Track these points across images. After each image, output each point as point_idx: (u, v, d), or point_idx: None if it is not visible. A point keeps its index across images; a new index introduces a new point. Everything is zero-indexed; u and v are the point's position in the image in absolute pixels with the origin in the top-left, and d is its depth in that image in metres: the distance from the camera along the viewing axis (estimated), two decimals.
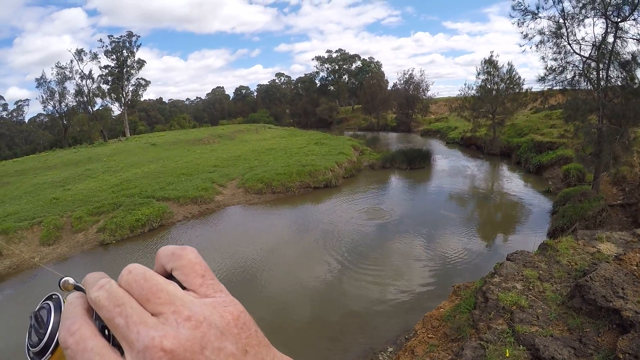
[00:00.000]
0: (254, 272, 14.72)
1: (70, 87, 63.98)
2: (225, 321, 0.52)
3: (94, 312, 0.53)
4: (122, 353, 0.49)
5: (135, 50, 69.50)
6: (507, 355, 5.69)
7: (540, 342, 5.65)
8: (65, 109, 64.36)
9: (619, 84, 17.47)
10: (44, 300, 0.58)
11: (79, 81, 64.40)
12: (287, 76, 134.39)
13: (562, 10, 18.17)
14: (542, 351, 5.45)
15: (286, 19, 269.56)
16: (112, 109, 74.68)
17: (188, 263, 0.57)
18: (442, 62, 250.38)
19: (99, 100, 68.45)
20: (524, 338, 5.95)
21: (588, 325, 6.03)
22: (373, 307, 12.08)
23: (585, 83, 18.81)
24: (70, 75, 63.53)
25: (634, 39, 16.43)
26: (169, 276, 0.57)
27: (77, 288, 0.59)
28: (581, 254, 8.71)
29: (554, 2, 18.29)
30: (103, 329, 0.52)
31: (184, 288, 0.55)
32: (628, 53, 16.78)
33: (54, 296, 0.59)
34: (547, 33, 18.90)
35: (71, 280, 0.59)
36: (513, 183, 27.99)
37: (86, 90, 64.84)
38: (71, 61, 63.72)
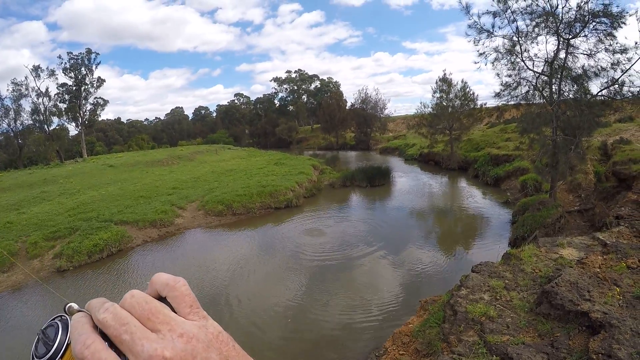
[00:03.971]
0: (219, 298, 14.34)
1: (26, 104, 61.74)
2: (209, 338, 0.65)
3: (98, 329, 0.62)
4: None
5: (94, 68, 67.79)
6: None
7: (512, 350, 5.63)
8: (21, 128, 61.64)
9: (572, 97, 18.14)
10: (52, 320, 0.66)
11: (35, 99, 62.00)
12: (246, 96, 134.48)
13: (517, 28, 18.87)
14: (516, 359, 5.42)
15: (249, 39, 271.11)
16: (69, 129, 72.26)
17: (180, 294, 0.70)
18: (400, 81, 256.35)
19: (55, 120, 65.97)
20: (496, 348, 5.92)
21: (558, 329, 6.07)
22: (342, 326, 11.93)
23: (539, 97, 19.45)
24: (26, 93, 61.14)
25: (584, 54, 17.15)
26: (162, 298, 0.69)
27: (80, 312, 0.67)
28: (544, 260, 8.84)
29: (508, 21, 18.98)
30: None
31: (174, 311, 0.67)
32: (579, 67, 17.50)
33: (62, 317, 0.66)
34: (502, 51, 19.54)
35: (75, 305, 0.69)
36: (472, 196, 28.56)
37: (42, 109, 62.51)
38: (25, 77, 61.71)
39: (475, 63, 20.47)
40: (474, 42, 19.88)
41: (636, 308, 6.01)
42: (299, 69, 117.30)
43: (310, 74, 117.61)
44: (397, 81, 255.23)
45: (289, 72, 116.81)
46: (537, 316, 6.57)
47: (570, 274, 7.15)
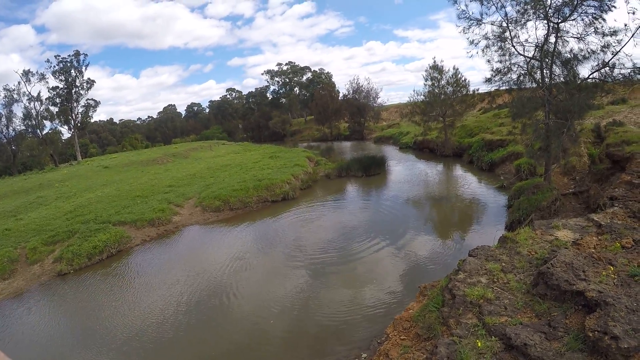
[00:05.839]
0: (222, 294, 14.42)
1: (18, 110, 61.67)
2: None
3: None
4: None
5: (83, 69, 67.50)
6: (480, 345, 5.76)
7: (511, 331, 5.75)
8: (14, 134, 61.71)
9: (562, 80, 18.23)
10: None
11: (27, 103, 62.09)
12: (238, 91, 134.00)
13: (505, 15, 18.90)
14: (514, 339, 5.54)
15: (240, 32, 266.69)
16: (62, 132, 72.28)
17: None
18: (393, 70, 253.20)
19: (47, 124, 66.11)
20: (494, 329, 6.04)
21: (555, 309, 6.19)
22: (344, 315, 12.08)
23: (530, 82, 19.52)
24: (18, 98, 61.24)
25: (574, 37, 17.21)
26: None
27: None
28: (540, 243, 8.95)
29: (496, 8, 19.00)
30: None
31: None
32: (569, 51, 17.57)
33: None
34: (491, 37, 19.59)
35: None
36: (467, 182, 28.70)
37: (34, 113, 62.44)
38: (18, 83, 61.55)
39: (467, 52, 20.58)
40: (464, 31, 19.94)
41: (631, 286, 6.13)
42: (290, 61, 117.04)
43: (302, 65, 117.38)
44: (389, 70, 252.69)
45: (279, 64, 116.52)
46: (534, 297, 6.69)
47: (565, 255, 7.27)
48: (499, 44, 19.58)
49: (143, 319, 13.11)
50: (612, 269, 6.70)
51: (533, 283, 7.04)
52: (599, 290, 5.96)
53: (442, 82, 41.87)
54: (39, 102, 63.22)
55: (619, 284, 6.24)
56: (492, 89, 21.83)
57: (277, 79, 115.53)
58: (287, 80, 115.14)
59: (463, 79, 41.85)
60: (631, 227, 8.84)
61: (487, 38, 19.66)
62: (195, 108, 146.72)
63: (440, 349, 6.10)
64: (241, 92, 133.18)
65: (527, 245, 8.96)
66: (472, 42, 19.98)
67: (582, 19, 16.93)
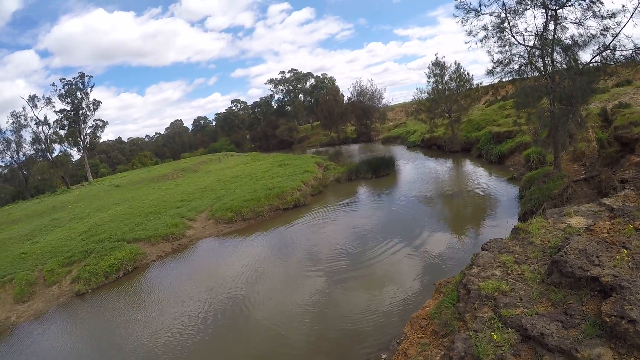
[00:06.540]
0: (241, 305, 14.45)
1: (27, 135, 62.74)
2: None
3: None
4: None
5: (89, 91, 68.67)
6: (496, 338, 5.74)
7: (527, 321, 5.72)
8: (24, 159, 62.73)
9: (564, 66, 18.11)
10: None
11: (35, 128, 63.07)
12: (243, 102, 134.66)
13: (503, 4, 18.80)
14: (531, 330, 5.52)
15: (241, 43, 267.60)
16: (72, 154, 73.41)
17: None
18: (395, 69, 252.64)
19: (57, 146, 67.22)
20: (511, 321, 6.02)
21: (570, 297, 6.14)
22: (362, 318, 12.07)
23: (532, 71, 19.40)
24: (26, 123, 62.25)
25: (573, 23, 17.10)
26: None
27: None
28: (552, 231, 8.89)
29: None
30: None
31: None
32: (569, 37, 17.46)
33: None
34: (490, 28, 19.48)
35: None
36: (478, 176, 28.57)
37: (43, 137, 63.34)
38: (23, 108, 62.62)
39: (466, 43, 20.48)
40: (462, 23, 19.88)
41: None
42: (293, 69, 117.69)
43: (304, 72, 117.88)
44: (392, 70, 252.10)
45: (282, 72, 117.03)
46: (549, 286, 6.65)
47: (578, 242, 7.22)
48: (498, 34, 19.49)
49: (157, 338, 13.16)
50: (626, 252, 6.63)
51: (547, 272, 6.99)
52: (613, 274, 5.91)
53: (445, 78, 41.90)
54: (47, 126, 64.16)
55: (633, 267, 6.17)
56: (495, 81, 21.65)
57: (280, 87, 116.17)
58: (291, 87, 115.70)
59: (466, 73, 41.88)
60: None
61: (486, 29, 19.58)
62: (202, 122, 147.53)
63: (458, 344, 6.09)
64: (246, 102, 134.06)
65: (539, 234, 8.90)
66: (470, 33, 19.89)
67: (580, 4, 16.81)
